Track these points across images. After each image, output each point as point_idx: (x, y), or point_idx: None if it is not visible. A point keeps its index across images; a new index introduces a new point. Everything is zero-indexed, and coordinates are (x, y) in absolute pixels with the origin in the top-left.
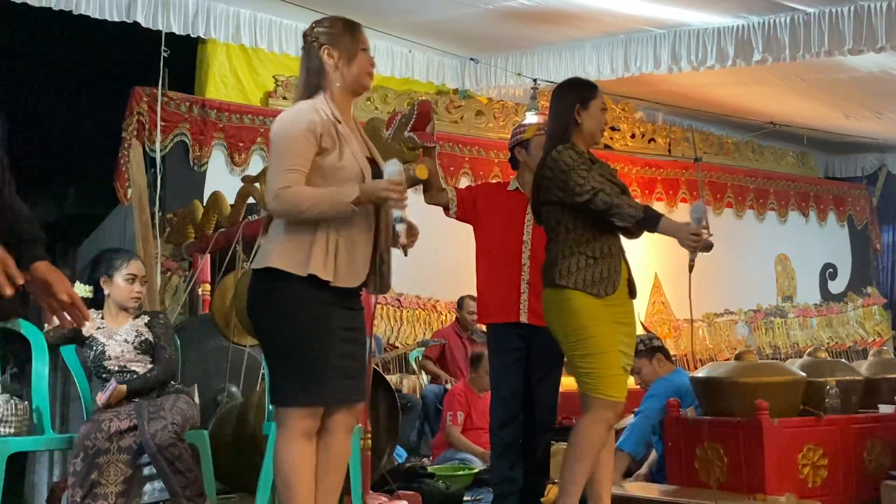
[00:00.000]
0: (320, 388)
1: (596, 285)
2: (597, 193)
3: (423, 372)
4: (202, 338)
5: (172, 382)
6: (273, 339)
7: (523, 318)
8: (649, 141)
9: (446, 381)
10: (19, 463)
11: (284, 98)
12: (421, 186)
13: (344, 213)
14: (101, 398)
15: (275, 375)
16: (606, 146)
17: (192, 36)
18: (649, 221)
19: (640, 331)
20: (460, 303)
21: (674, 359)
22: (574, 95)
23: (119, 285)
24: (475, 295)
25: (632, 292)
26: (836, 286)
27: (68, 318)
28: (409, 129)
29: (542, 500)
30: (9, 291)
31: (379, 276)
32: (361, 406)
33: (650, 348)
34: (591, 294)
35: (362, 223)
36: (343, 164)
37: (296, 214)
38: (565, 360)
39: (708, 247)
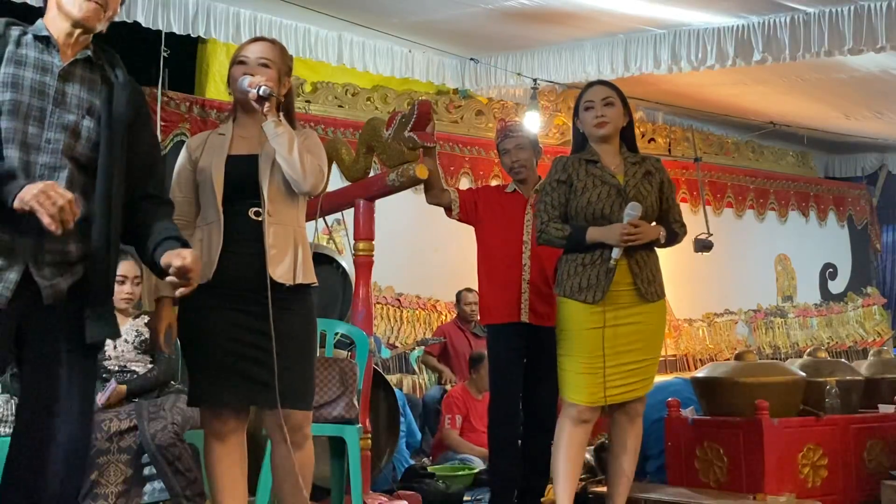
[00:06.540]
0: (199, 388)
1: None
2: (542, 225)
3: (424, 371)
4: None
5: (172, 382)
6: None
7: (524, 318)
8: (649, 141)
9: (448, 381)
10: None
11: None
12: (422, 186)
13: None
14: (101, 398)
15: None
16: None
17: (192, 36)
18: (575, 239)
19: None
20: (458, 296)
21: (674, 359)
22: (575, 109)
23: None
24: (472, 287)
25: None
26: (836, 286)
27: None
28: (409, 129)
29: (541, 500)
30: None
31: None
32: (304, 415)
33: None
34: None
35: (216, 228)
36: (200, 167)
37: None
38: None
39: (707, 247)
